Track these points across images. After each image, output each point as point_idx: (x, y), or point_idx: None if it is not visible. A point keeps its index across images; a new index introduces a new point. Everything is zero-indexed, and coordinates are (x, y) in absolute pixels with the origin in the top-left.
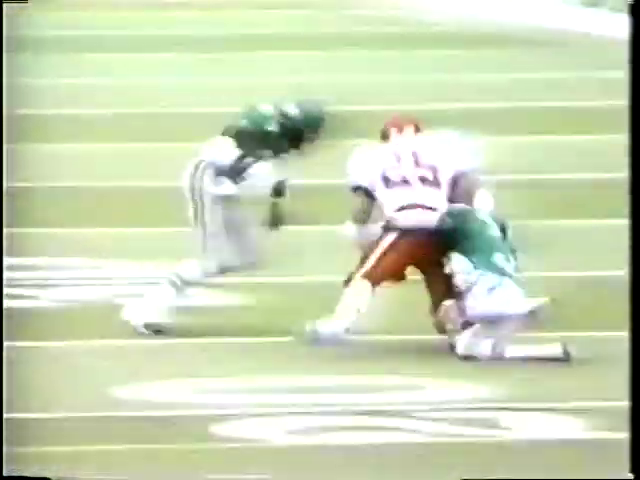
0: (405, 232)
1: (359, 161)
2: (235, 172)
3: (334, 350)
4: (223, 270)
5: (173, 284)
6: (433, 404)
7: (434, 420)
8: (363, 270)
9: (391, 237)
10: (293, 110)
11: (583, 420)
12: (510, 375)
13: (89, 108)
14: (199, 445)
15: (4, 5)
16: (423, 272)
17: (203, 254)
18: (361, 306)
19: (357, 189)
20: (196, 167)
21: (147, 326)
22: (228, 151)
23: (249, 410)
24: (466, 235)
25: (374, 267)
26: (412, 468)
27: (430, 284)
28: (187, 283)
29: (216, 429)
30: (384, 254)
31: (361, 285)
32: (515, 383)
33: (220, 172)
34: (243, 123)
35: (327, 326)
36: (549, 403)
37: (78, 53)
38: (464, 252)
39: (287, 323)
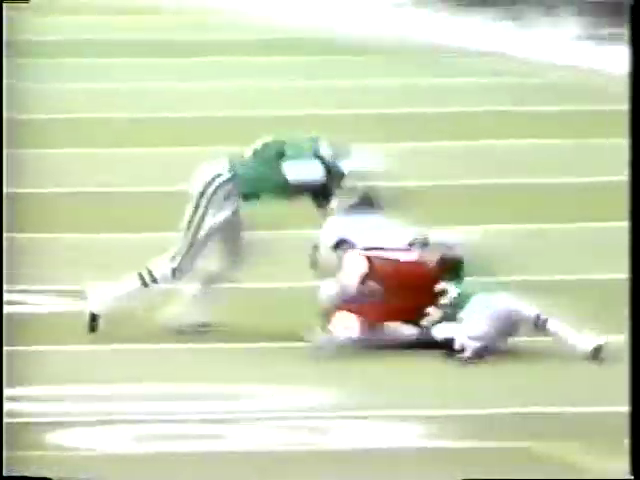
0: (427, 253)
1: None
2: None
3: (185, 357)
4: (212, 279)
5: (141, 278)
6: (275, 411)
7: (270, 428)
8: (367, 253)
9: (413, 255)
10: (329, 155)
11: (423, 427)
12: (365, 381)
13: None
14: (35, 453)
15: (4, 5)
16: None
17: (181, 257)
18: (361, 272)
19: (342, 243)
20: (213, 179)
21: (91, 316)
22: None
23: (88, 418)
24: (473, 263)
25: (378, 258)
26: (232, 477)
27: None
28: (155, 280)
29: (52, 437)
30: (397, 261)
31: (360, 260)
32: (365, 390)
33: (234, 193)
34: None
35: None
36: (391, 410)
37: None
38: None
39: (136, 330)
